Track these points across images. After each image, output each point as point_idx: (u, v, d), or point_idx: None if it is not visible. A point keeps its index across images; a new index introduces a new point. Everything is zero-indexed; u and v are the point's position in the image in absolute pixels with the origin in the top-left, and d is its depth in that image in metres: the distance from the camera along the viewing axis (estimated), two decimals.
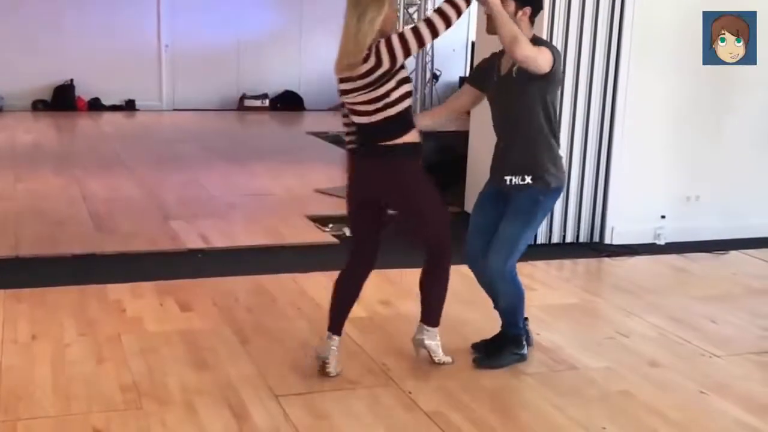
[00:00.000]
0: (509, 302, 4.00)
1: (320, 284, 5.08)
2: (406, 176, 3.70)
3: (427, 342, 3.95)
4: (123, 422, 3.33)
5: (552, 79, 3.72)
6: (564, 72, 5.96)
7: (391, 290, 5.03)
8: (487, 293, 4.10)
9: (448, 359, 3.97)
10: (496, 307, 4.10)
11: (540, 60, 3.60)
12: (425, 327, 3.94)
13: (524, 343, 4.06)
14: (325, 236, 6.28)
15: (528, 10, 3.72)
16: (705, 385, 3.87)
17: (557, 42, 5.91)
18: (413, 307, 4.23)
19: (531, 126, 3.78)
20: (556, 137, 3.88)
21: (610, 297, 5.20)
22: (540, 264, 5.76)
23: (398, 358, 4.00)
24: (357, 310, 4.67)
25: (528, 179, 3.79)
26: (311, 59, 14.56)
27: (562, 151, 6.00)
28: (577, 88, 6.04)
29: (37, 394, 3.54)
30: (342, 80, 3.60)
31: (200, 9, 14.05)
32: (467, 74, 3.91)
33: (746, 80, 6.34)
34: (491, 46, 4.04)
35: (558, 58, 3.70)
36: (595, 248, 6.19)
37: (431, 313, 3.93)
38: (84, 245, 5.82)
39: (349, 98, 3.63)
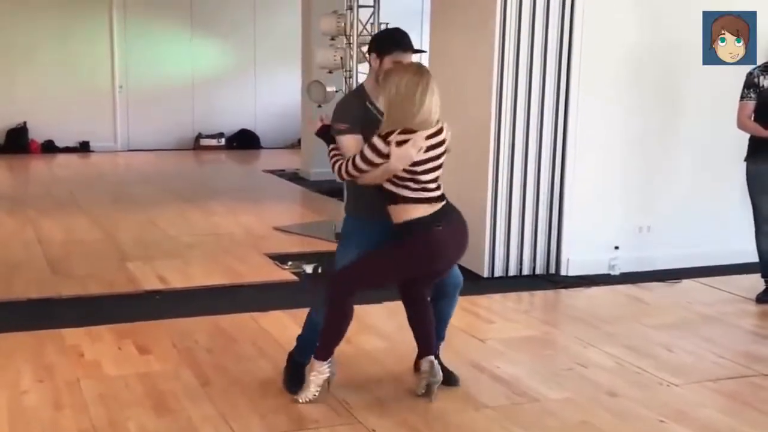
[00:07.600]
0: None
1: (280, 323, 5.07)
2: None
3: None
4: None
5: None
6: (515, 107, 6.09)
7: (352, 327, 5.02)
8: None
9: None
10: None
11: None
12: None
13: None
14: (284, 274, 6.28)
15: (374, 55, 3.84)
16: (663, 413, 3.92)
17: (507, 77, 6.02)
18: (374, 343, 4.24)
19: None
20: None
21: (567, 328, 5.26)
22: (497, 297, 5.82)
23: (361, 396, 3.99)
24: None
25: None
26: (266, 98, 14.59)
27: (517, 185, 6.18)
28: (529, 123, 6.13)
29: None
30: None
31: (154, 50, 14.03)
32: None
33: (693, 110, 6.49)
34: None
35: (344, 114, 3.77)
36: (552, 280, 6.26)
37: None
38: (40, 289, 5.75)
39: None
